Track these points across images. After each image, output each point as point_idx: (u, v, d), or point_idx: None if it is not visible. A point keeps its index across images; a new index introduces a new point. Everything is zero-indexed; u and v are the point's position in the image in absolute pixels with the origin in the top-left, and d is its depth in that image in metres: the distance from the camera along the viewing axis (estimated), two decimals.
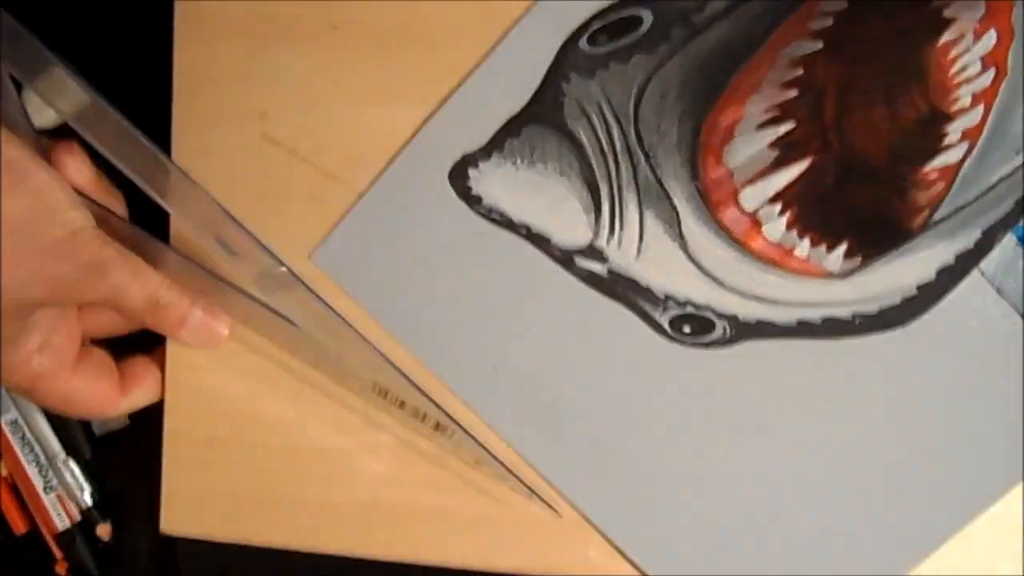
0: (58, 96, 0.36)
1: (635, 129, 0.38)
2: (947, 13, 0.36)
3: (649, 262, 0.38)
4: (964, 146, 0.35)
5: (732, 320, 0.37)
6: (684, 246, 0.37)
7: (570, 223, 0.38)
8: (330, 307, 0.38)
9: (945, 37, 0.35)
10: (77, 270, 0.34)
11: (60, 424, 0.43)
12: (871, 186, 0.36)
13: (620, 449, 0.38)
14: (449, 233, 0.39)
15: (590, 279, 0.38)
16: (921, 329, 0.36)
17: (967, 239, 0.35)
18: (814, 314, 0.36)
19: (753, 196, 0.37)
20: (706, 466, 0.37)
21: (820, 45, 0.36)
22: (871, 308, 0.36)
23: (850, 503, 0.36)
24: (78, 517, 0.43)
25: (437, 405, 0.37)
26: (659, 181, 0.37)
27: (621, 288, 0.38)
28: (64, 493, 0.42)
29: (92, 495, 0.43)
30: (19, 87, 0.43)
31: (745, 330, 0.37)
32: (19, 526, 0.43)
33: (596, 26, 0.38)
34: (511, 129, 0.38)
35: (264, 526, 0.40)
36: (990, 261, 0.35)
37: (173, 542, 0.42)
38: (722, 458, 0.37)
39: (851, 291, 0.36)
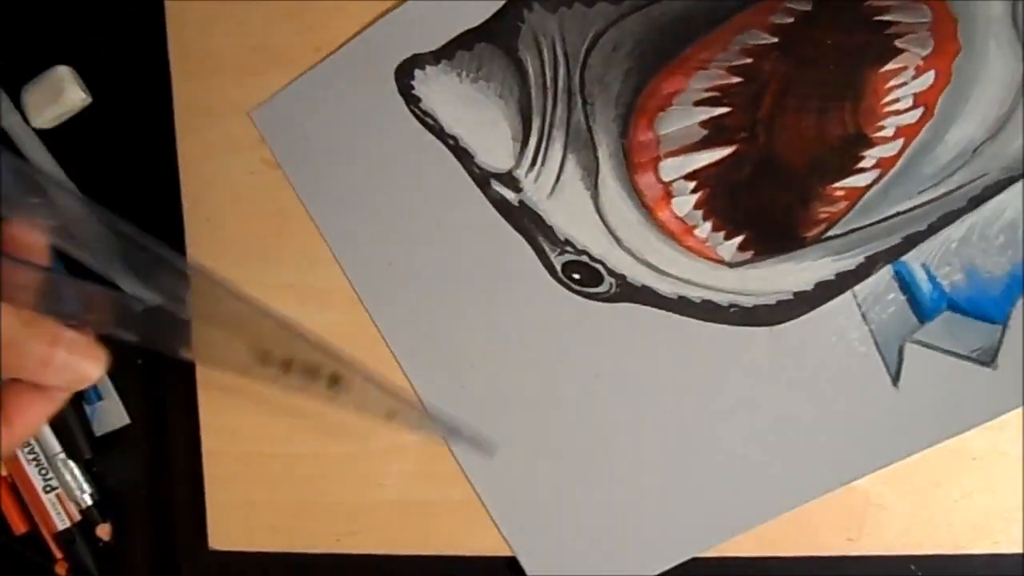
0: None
1: (580, 73, 0.38)
2: (899, 43, 0.36)
3: (559, 203, 0.38)
4: (875, 173, 0.36)
5: (620, 279, 0.38)
6: (595, 197, 0.38)
7: (496, 146, 0.38)
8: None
9: (889, 65, 0.36)
10: None
11: (60, 424, 0.42)
12: (781, 189, 0.37)
13: (490, 372, 0.39)
14: (382, 125, 0.39)
15: (500, 205, 0.39)
16: (786, 333, 0.37)
17: (850, 261, 0.37)
18: (695, 293, 0.37)
19: (672, 168, 0.38)
20: (561, 410, 0.38)
21: (775, 40, 0.37)
22: (747, 302, 0.37)
23: (685, 472, 0.38)
24: (78, 517, 0.42)
25: (331, 354, 0.32)
26: (589, 129, 0.38)
27: (527, 221, 0.39)
28: (64, 493, 0.42)
29: (92, 495, 0.42)
30: (16, 93, 0.42)
31: (629, 292, 0.38)
32: (19, 526, 0.42)
33: None
34: (464, 41, 0.38)
35: (305, 534, 0.40)
36: (864, 286, 0.36)
37: (173, 542, 0.42)
38: (578, 404, 0.38)
39: (735, 281, 0.37)
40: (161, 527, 0.42)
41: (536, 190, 0.38)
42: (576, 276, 0.38)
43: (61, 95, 0.41)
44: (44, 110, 0.42)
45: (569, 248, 0.38)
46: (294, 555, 0.40)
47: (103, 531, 0.42)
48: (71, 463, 0.42)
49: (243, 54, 0.40)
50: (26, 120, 0.42)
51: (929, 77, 0.36)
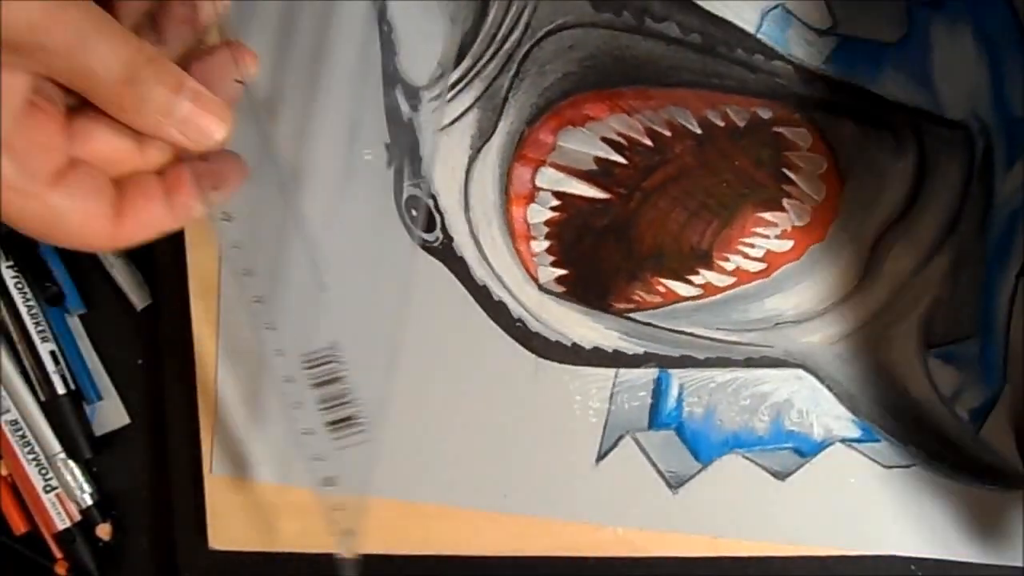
0: None
1: (529, 48, 0.37)
2: (785, 201, 0.39)
3: (441, 144, 0.38)
4: (697, 291, 0.39)
5: (448, 240, 0.38)
6: (473, 158, 0.38)
7: (421, 58, 0.37)
8: None
9: (766, 214, 0.38)
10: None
11: (60, 424, 0.40)
12: (620, 256, 0.38)
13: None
14: None
15: (392, 112, 0.38)
16: (546, 370, 0.38)
17: (632, 346, 0.38)
18: (498, 292, 0.38)
19: (549, 178, 0.38)
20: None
21: (698, 132, 0.38)
22: (533, 326, 0.38)
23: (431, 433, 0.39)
24: (78, 517, 0.41)
25: None
26: (505, 99, 0.38)
27: (404, 140, 0.38)
28: (64, 493, 0.41)
29: (92, 495, 0.41)
30: None
31: (449, 256, 0.38)
32: (19, 526, 0.41)
33: None
34: None
35: (305, 534, 0.39)
36: (628, 373, 0.38)
37: (173, 542, 0.41)
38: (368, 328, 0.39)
39: (535, 303, 0.38)
40: (161, 527, 0.42)
41: (429, 119, 0.38)
42: (414, 213, 0.39)
43: None
44: None
45: (422, 185, 0.39)
46: (294, 555, 0.40)
47: (103, 531, 0.41)
48: (71, 463, 0.41)
49: None
50: None
51: (787, 245, 0.38)
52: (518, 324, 0.39)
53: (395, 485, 0.39)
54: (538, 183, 0.38)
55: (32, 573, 0.42)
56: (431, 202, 0.38)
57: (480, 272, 0.38)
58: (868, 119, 0.38)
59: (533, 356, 0.39)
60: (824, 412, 0.38)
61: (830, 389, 0.38)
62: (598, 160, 0.38)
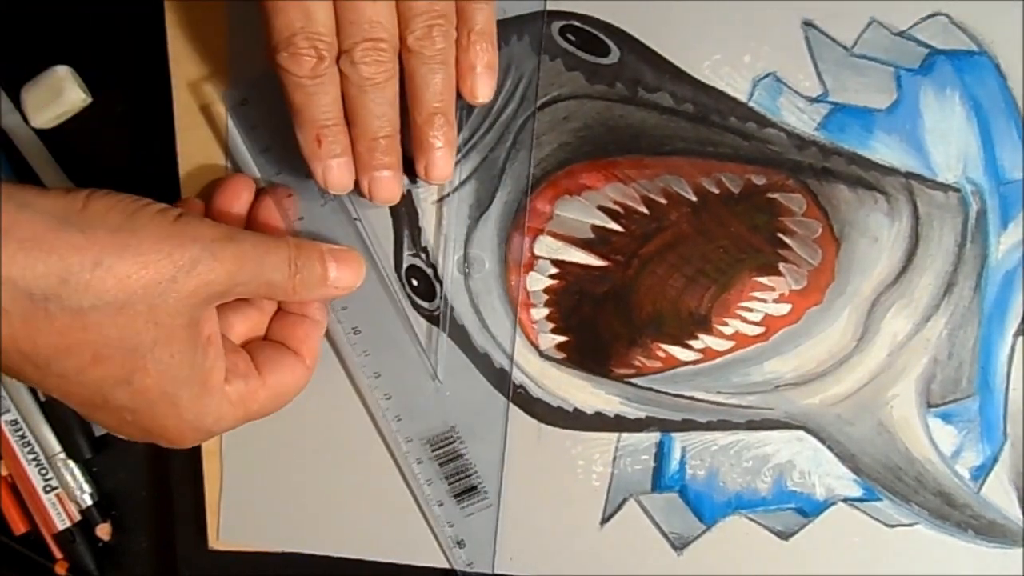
0: None
1: (524, 121, 0.37)
2: (782, 266, 0.39)
3: (439, 214, 0.38)
4: (697, 356, 0.38)
5: (450, 309, 0.38)
6: (472, 228, 0.38)
7: None
8: None
9: (763, 278, 0.38)
10: (205, 247, 0.30)
11: (60, 424, 0.40)
12: (619, 322, 0.38)
13: None
14: None
15: None
16: (548, 436, 0.38)
17: (634, 411, 0.38)
18: (498, 359, 0.38)
19: (547, 246, 0.38)
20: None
21: (693, 199, 0.38)
22: (535, 392, 0.38)
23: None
24: (78, 517, 0.41)
25: None
26: (503, 170, 0.38)
27: (403, 211, 0.38)
28: (64, 493, 0.41)
29: (92, 495, 0.41)
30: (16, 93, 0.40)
31: (449, 323, 0.38)
32: (19, 526, 0.41)
33: (576, 25, 0.38)
34: None
35: (305, 534, 0.39)
36: (631, 437, 0.38)
37: (173, 542, 0.41)
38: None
39: (536, 369, 0.38)
40: (161, 527, 0.41)
41: (427, 190, 0.38)
42: (414, 282, 0.39)
43: (61, 95, 0.40)
44: (44, 110, 0.40)
45: (423, 255, 0.39)
46: (294, 555, 0.39)
47: (103, 531, 0.41)
48: (71, 463, 0.41)
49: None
50: (26, 120, 0.41)
51: (784, 308, 0.38)
52: (520, 391, 0.39)
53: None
54: (537, 251, 0.38)
55: (32, 573, 0.42)
56: (431, 272, 0.38)
57: (480, 340, 0.39)
58: (861, 183, 0.38)
59: (536, 422, 0.39)
60: (826, 472, 0.38)
61: (831, 450, 0.38)
62: (595, 228, 0.38)
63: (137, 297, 0.29)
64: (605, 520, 0.39)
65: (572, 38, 0.38)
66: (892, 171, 0.38)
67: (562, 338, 0.38)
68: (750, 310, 0.38)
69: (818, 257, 0.38)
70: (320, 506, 0.39)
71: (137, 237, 0.29)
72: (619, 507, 0.39)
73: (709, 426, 0.38)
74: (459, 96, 0.34)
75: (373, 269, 0.38)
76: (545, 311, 0.38)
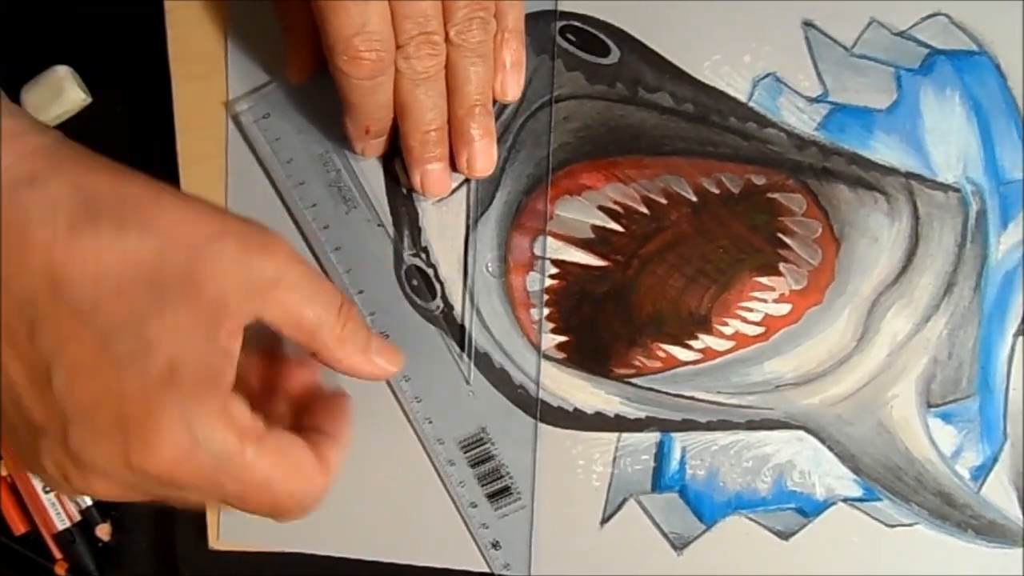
0: None
1: (525, 121, 0.37)
2: (782, 266, 0.38)
3: (440, 214, 0.37)
4: (697, 356, 0.38)
5: (449, 308, 0.37)
6: (472, 228, 0.37)
7: None
8: None
9: (763, 278, 0.38)
10: (247, 277, 0.26)
11: None
12: (619, 322, 0.37)
13: None
14: None
15: (391, 185, 0.38)
16: (548, 435, 0.37)
17: (634, 411, 0.37)
18: (498, 358, 0.37)
19: (548, 246, 0.38)
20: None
21: (693, 199, 0.38)
22: (534, 390, 0.37)
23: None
24: (77, 517, 0.40)
25: None
26: (501, 170, 0.37)
27: (403, 211, 0.37)
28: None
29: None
30: (16, 93, 0.39)
31: (449, 323, 0.37)
32: (18, 526, 0.40)
33: (577, 25, 0.38)
34: None
35: (306, 534, 0.38)
36: (630, 437, 0.37)
37: (173, 542, 0.40)
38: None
39: (534, 369, 0.37)
40: (161, 527, 0.41)
41: None
42: (414, 283, 0.38)
43: (61, 95, 0.40)
44: (44, 110, 0.40)
45: (423, 255, 0.38)
46: (294, 555, 0.39)
47: (103, 531, 0.41)
48: None
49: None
50: None
51: (784, 308, 0.38)
52: (520, 390, 0.38)
53: (395, 547, 0.39)
54: (537, 251, 0.38)
55: (32, 573, 0.41)
56: (431, 272, 0.38)
57: (481, 340, 0.38)
58: (861, 183, 0.37)
59: (532, 421, 0.38)
60: (826, 472, 0.38)
61: (831, 450, 0.38)
62: (595, 228, 0.38)
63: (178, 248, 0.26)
64: (605, 520, 0.38)
65: (572, 38, 0.37)
66: (892, 171, 0.37)
67: (562, 338, 0.38)
68: (750, 310, 0.38)
69: (818, 257, 0.38)
70: (321, 506, 0.39)
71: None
72: (619, 507, 0.38)
73: (709, 426, 0.38)
74: None
75: None
76: (545, 311, 0.38)
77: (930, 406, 0.38)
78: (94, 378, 0.25)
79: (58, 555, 0.40)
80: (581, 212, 0.38)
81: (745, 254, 0.37)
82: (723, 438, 0.38)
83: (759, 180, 0.37)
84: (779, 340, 0.38)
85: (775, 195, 0.37)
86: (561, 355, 0.38)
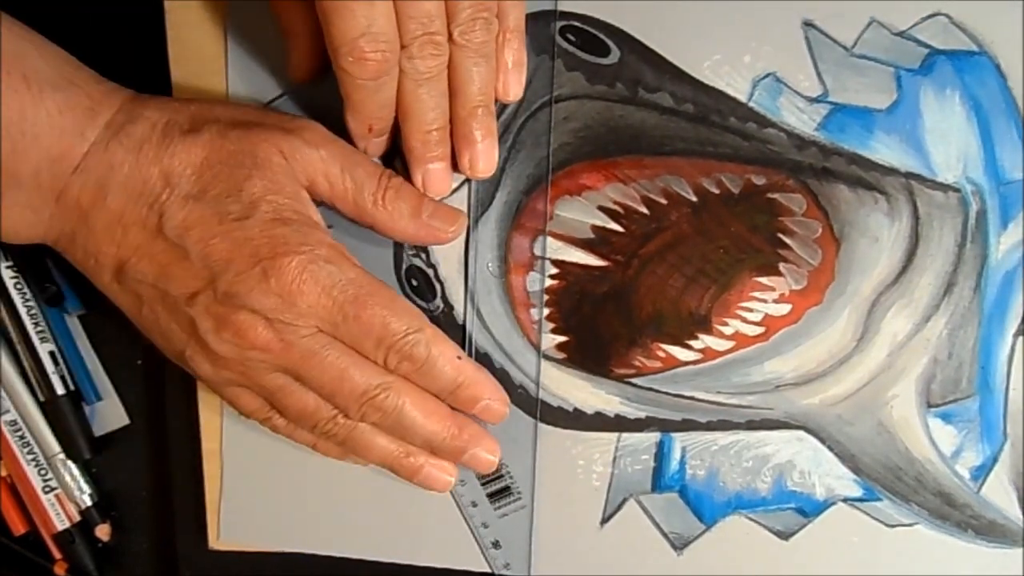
0: None
1: (525, 121, 0.37)
2: (782, 266, 0.38)
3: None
4: (697, 356, 0.38)
5: (449, 308, 0.37)
6: (473, 228, 0.37)
7: None
8: None
9: (764, 279, 0.37)
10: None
11: (59, 424, 0.40)
12: (619, 322, 0.37)
13: None
14: None
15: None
16: (548, 435, 0.37)
17: (634, 411, 0.37)
18: (498, 359, 0.37)
19: (548, 246, 0.38)
20: None
21: (693, 199, 0.38)
22: (534, 391, 0.37)
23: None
24: (77, 517, 0.40)
25: None
26: (501, 170, 0.36)
27: None
28: (63, 494, 0.40)
29: (91, 496, 0.40)
30: None
31: (449, 323, 0.37)
32: (18, 526, 0.40)
33: (577, 25, 0.38)
34: None
35: (306, 534, 0.39)
36: (631, 437, 0.37)
37: (173, 542, 0.40)
38: None
39: (534, 369, 0.37)
40: (161, 527, 0.41)
41: None
42: (414, 283, 0.38)
43: None
44: None
45: (423, 255, 0.38)
46: (294, 555, 0.39)
47: (102, 531, 0.41)
48: (70, 463, 0.40)
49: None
50: None
51: (784, 308, 0.38)
52: (519, 390, 0.38)
53: (395, 547, 0.39)
54: (537, 251, 0.38)
55: (31, 574, 0.41)
56: (431, 272, 0.38)
57: (481, 340, 0.38)
58: (861, 183, 0.37)
59: (532, 421, 0.38)
60: (826, 472, 0.38)
61: (831, 450, 0.38)
62: (595, 228, 0.38)
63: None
64: (605, 520, 0.38)
65: (572, 38, 0.37)
66: (892, 171, 0.37)
67: (562, 338, 0.38)
68: (750, 310, 0.38)
69: (818, 257, 0.37)
70: (321, 506, 0.38)
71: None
72: (619, 507, 0.38)
73: (709, 426, 0.38)
74: None
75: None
76: (545, 311, 0.38)
77: (930, 406, 0.38)
78: (223, 238, 0.32)
79: (57, 555, 0.40)
80: (581, 212, 0.37)
81: (745, 254, 0.37)
82: (723, 438, 0.38)
83: (759, 180, 0.37)
84: (779, 340, 0.38)
85: (775, 195, 0.37)
86: (561, 355, 0.38)
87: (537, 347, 0.38)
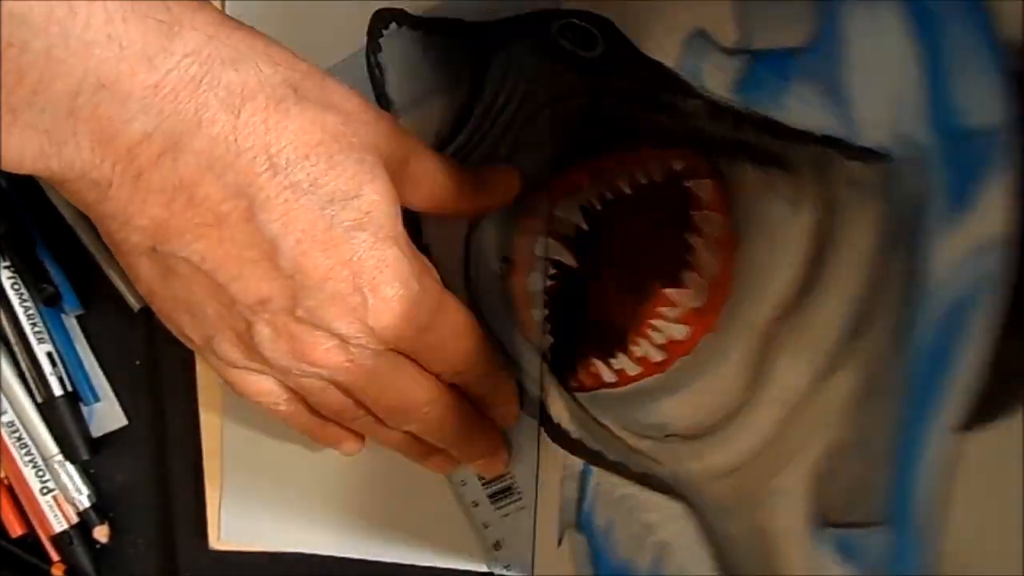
0: None
1: (524, 120, 0.36)
2: (686, 274, 0.27)
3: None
4: (614, 378, 0.30)
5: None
6: (471, 229, 0.37)
7: (419, 132, 0.36)
8: None
9: (671, 288, 0.28)
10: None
11: (57, 425, 0.38)
12: (579, 330, 0.33)
13: None
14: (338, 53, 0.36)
15: None
16: (549, 450, 0.35)
17: (575, 435, 0.33)
18: (497, 352, 0.36)
19: (546, 247, 0.35)
20: None
21: (628, 191, 0.30)
22: (533, 391, 0.36)
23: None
24: (75, 519, 0.39)
25: None
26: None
27: (404, 213, 0.37)
28: (61, 495, 0.39)
29: (89, 497, 0.39)
30: None
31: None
32: (16, 528, 0.39)
33: (575, 22, 0.35)
34: (450, 28, 0.36)
35: (306, 535, 0.37)
36: (568, 458, 0.33)
37: (173, 542, 0.39)
38: None
39: (534, 369, 0.35)
40: (160, 528, 0.39)
41: None
42: None
43: None
44: None
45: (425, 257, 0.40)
46: (294, 555, 0.37)
47: (101, 533, 0.39)
48: (68, 465, 0.38)
49: None
50: None
51: (683, 331, 0.27)
52: (521, 391, 0.38)
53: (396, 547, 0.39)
54: (538, 252, 0.37)
55: (29, 575, 0.39)
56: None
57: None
58: (767, 158, 0.25)
59: (537, 422, 0.36)
60: (698, 572, 0.26)
61: (707, 542, 0.26)
62: (577, 229, 0.35)
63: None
64: (559, 543, 0.35)
65: (569, 35, 0.36)
66: (802, 135, 0.24)
67: (550, 340, 0.37)
68: (657, 329, 0.29)
69: (718, 264, 0.27)
70: (322, 506, 0.37)
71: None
72: (562, 537, 0.34)
73: (616, 468, 0.31)
74: (462, 102, 0.38)
75: None
76: (543, 312, 0.37)
77: (824, 523, 0.23)
78: (326, 250, 0.25)
79: (55, 557, 0.39)
80: (570, 213, 0.36)
81: (654, 259, 0.30)
82: (621, 487, 0.31)
83: (678, 165, 0.29)
84: (675, 373, 0.29)
85: (689, 183, 0.29)
86: (548, 340, 0.37)
87: (538, 347, 0.38)
